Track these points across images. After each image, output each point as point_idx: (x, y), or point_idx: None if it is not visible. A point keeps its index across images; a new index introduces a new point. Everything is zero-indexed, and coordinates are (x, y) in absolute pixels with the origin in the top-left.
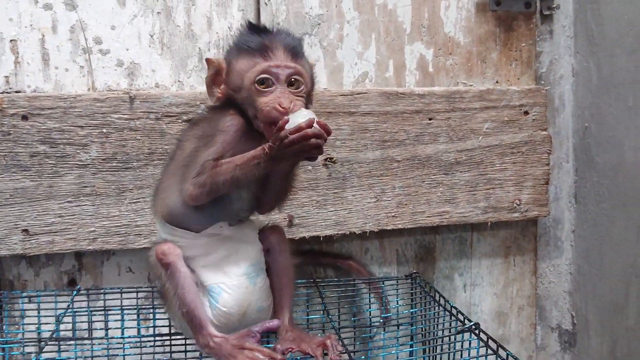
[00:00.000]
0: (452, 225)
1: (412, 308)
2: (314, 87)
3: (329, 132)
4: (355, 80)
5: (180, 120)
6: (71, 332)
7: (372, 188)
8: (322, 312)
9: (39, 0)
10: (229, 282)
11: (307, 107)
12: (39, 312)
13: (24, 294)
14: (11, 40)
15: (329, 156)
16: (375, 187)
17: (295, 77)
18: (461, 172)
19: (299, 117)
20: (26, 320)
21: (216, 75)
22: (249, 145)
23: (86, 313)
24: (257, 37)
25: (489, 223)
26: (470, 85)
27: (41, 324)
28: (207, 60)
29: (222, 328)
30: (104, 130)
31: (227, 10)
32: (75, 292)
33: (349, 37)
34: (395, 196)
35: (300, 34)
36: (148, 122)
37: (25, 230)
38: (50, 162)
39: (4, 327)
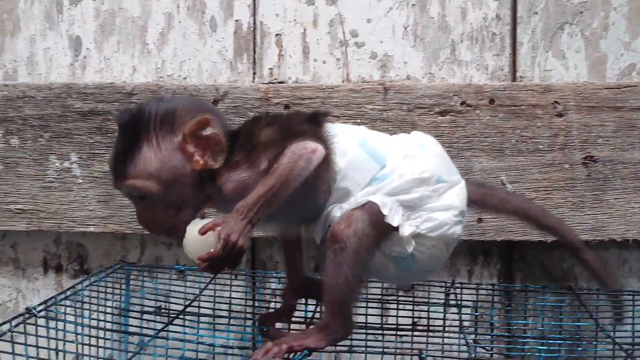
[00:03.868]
0: None
1: None
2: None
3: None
4: (620, 72)
5: (431, 112)
6: None
7: (637, 192)
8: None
9: None
10: None
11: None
12: None
13: (275, 275)
14: (276, 35)
15: (589, 154)
16: None
17: (132, 194)
18: None
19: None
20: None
21: None
22: None
23: None
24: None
25: None
26: None
27: None
28: None
29: None
30: (358, 120)
31: (483, 0)
32: None
33: (614, 26)
34: None
35: (559, 23)
36: (400, 113)
37: None
38: None
39: (258, 303)
